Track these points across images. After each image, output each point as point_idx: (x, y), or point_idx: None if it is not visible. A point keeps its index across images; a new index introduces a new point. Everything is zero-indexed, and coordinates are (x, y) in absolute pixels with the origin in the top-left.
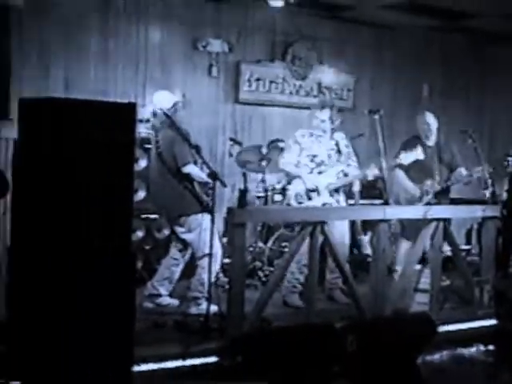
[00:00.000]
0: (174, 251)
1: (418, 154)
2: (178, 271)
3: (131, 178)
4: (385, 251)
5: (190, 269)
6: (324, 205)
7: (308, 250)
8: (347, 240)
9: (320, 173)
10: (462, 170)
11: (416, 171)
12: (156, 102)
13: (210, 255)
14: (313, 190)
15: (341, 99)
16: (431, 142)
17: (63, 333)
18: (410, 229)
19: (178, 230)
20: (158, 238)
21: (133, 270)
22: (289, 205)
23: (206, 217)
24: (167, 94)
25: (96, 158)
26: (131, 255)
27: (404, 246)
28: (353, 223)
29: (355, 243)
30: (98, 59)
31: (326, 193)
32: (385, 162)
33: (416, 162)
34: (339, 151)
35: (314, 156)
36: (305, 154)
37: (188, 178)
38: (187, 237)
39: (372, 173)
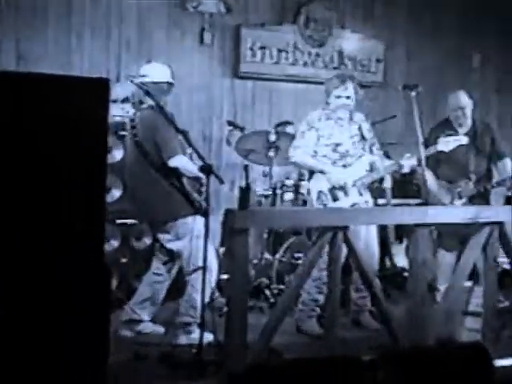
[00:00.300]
0: (157, 264)
1: (461, 138)
2: (162, 290)
3: (105, 164)
4: (425, 264)
5: (178, 287)
6: (353, 206)
7: (328, 262)
8: (377, 250)
9: (345, 166)
10: (508, 163)
11: (446, 168)
12: (146, 74)
13: (204, 269)
14: (339, 188)
15: (368, 72)
16: (464, 128)
17: (42, 318)
18: (450, 237)
19: (163, 237)
20: (137, 248)
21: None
22: (305, 204)
23: (199, 221)
24: (160, 67)
25: (63, 136)
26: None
27: (446, 257)
28: (384, 229)
29: (387, 254)
30: (58, 24)
31: (354, 191)
32: (423, 151)
33: (447, 154)
34: (363, 137)
35: (337, 145)
36: (323, 142)
37: (175, 172)
38: (174, 246)
39: (409, 164)
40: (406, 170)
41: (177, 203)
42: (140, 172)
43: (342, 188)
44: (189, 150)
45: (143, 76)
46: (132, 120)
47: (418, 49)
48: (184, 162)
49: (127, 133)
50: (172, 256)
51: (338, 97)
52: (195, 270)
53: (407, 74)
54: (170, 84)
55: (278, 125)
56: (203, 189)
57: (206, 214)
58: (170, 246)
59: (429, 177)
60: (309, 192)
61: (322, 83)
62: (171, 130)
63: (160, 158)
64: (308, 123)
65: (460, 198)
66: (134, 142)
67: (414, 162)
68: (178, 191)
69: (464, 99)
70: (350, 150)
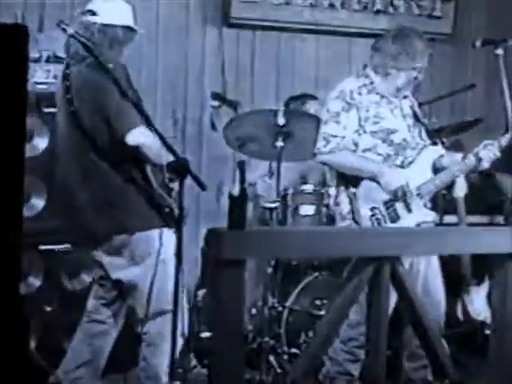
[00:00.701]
0: (97, 306)
1: None
2: (106, 347)
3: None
4: None
5: (129, 344)
6: (419, 225)
7: (366, 313)
8: (443, 295)
9: (403, 165)
10: None
11: None
12: (96, 11)
13: (175, 315)
14: (400, 200)
15: (430, 17)
16: None
17: None
18: None
19: (109, 262)
20: (70, 288)
21: None
22: (331, 222)
23: (168, 238)
24: (118, 4)
25: None
26: None
27: None
28: (454, 262)
29: (459, 301)
30: None
31: (418, 204)
32: None
33: None
34: (417, 118)
35: (391, 132)
36: (370, 129)
37: (135, 158)
38: (126, 275)
39: (489, 155)
40: (485, 164)
41: (134, 208)
42: (76, 164)
43: (404, 199)
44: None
45: (90, 14)
46: (66, 88)
47: None
48: (150, 139)
49: (56, 109)
50: (121, 292)
51: (385, 55)
52: (158, 315)
53: (490, 22)
54: (129, 30)
55: (292, 99)
56: (174, 190)
57: (178, 225)
58: (118, 275)
59: None
60: (352, 210)
61: (360, 35)
62: (125, 99)
63: (110, 136)
64: (344, 97)
65: None
66: (69, 118)
67: (496, 152)
68: (136, 189)
69: None
70: (408, 140)
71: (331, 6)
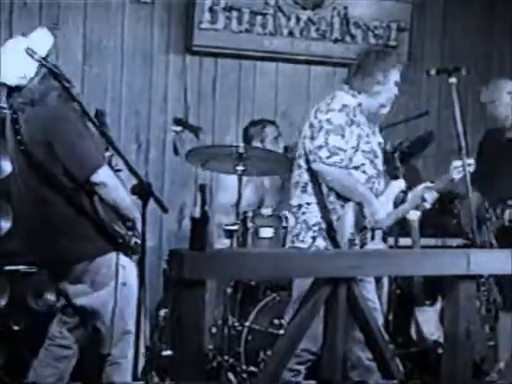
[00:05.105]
0: (61, 330)
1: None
2: (68, 370)
3: None
4: (469, 336)
5: (92, 363)
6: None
7: (322, 331)
8: (380, 315)
9: (376, 194)
10: None
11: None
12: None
13: (137, 338)
14: (372, 228)
15: (386, 46)
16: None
17: None
18: None
19: (72, 289)
20: (36, 308)
21: None
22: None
23: (129, 264)
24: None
25: None
26: None
27: (508, 326)
28: (408, 284)
29: (412, 321)
30: None
31: (379, 233)
32: (467, 166)
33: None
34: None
35: (376, 156)
36: (362, 147)
37: (87, 190)
38: (90, 301)
39: (430, 201)
40: (427, 205)
41: (91, 236)
42: (31, 196)
43: (374, 228)
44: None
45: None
46: (16, 131)
47: (461, 11)
48: (114, 180)
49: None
50: (84, 317)
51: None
52: (122, 336)
53: (444, 50)
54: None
55: (252, 124)
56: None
57: (132, 251)
58: (81, 302)
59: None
60: (333, 230)
61: (319, 63)
62: (87, 130)
63: (69, 177)
64: (348, 113)
65: None
66: (22, 157)
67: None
68: (88, 220)
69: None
70: (381, 169)
71: (290, 34)
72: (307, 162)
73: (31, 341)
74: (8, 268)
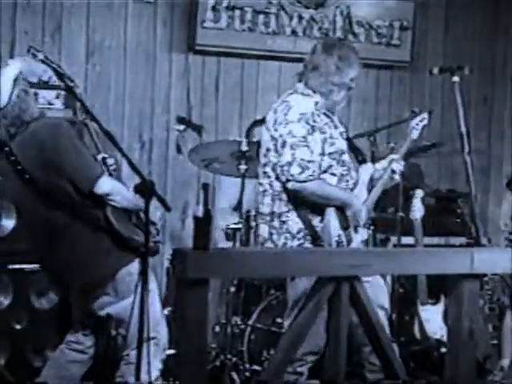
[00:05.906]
0: (76, 336)
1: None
2: (80, 373)
3: None
4: (473, 336)
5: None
6: (362, 243)
7: (325, 330)
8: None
9: (352, 188)
10: None
11: None
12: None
13: (140, 337)
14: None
15: (388, 45)
16: None
17: None
18: None
19: (98, 304)
20: (39, 307)
21: None
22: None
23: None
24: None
25: None
26: None
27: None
28: (411, 282)
29: (415, 320)
30: None
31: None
32: (470, 167)
33: None
34: (348, 139)
35: (343, 153)
36: (329, 150)
37: (97, 202)
38: (115, 310)
39: (398, 173)
40: (396, 177)
41: (110, 252)
42: (42, 225)
43: (357, 223)
44: (111, 165)
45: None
46: (7, 153)
47: (464, 10)
48: (117, 186)
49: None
50: (102, 323)
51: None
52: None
53: (447, 49)
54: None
55: (256, 122)
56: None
57: (144, 254)
58: (106, 311)
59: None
60: (318, 236)
61: None
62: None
63: (74, 191)
64: (307, 120)
65: None
66: (24, 179)
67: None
68: (105, 234)
69: None
70: (349, 160)
71: (293, 33)
72: (277, 175)
73: (34, 340)
74: (11, 267)
